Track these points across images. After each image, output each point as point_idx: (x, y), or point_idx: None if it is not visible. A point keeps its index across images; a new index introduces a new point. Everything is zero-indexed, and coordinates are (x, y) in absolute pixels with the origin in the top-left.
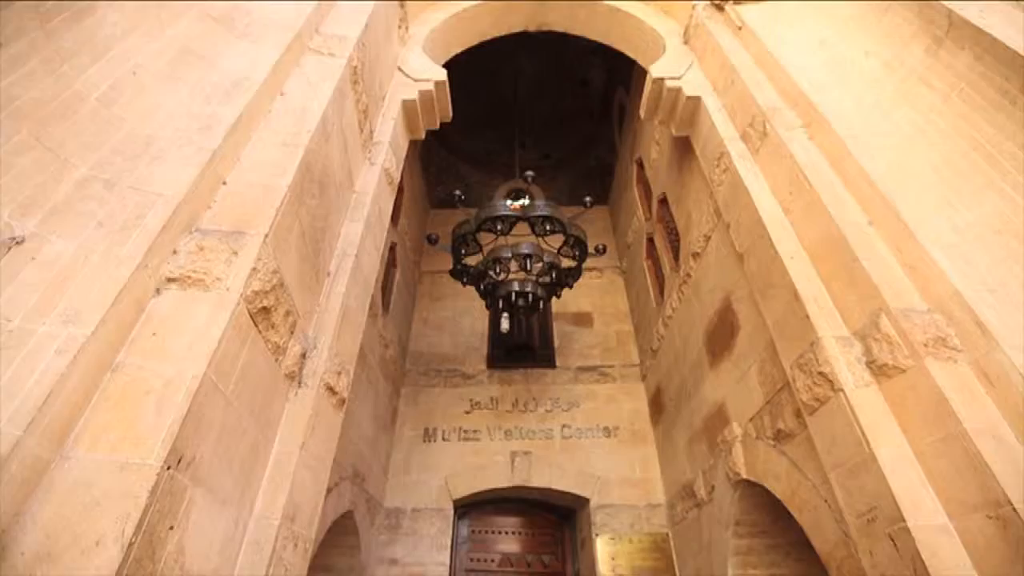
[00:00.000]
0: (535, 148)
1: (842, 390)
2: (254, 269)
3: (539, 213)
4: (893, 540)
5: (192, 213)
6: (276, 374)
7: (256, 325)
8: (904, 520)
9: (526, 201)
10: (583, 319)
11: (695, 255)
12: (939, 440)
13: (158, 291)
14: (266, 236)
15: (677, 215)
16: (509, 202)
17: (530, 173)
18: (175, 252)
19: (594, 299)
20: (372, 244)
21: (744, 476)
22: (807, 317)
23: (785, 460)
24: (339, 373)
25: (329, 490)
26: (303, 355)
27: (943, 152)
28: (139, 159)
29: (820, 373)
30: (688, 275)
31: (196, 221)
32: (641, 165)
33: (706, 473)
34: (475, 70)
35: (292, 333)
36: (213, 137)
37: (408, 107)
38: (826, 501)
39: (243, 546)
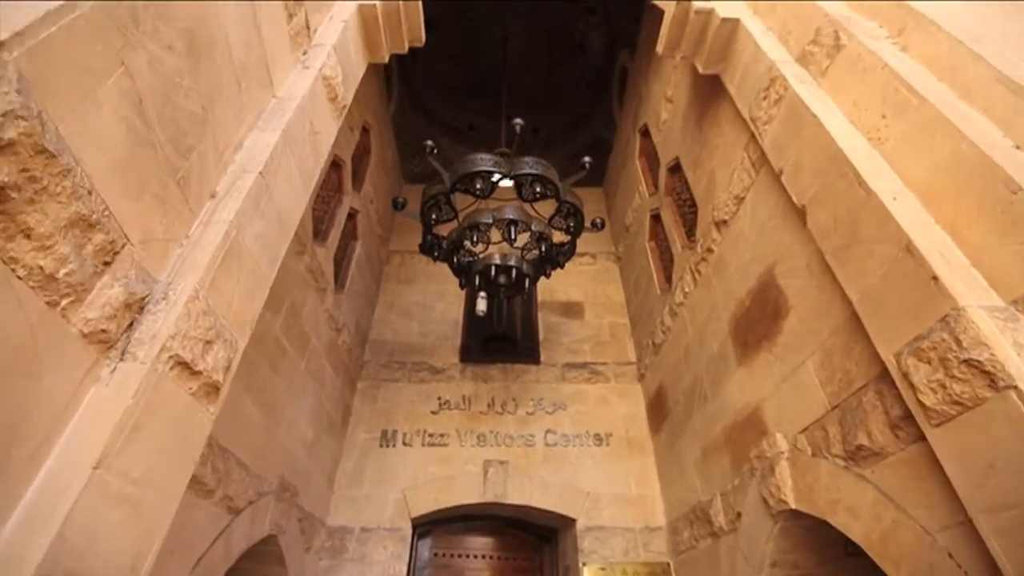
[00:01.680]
0: (524, 121)
1: (1015, 387)
2: None
3: (527, 171)
4: None
5: None
6: (54, 331)
7: None
8: None
9: (509, 183)
10: (572, 309)
11: (720, 224)
12: None
13: None
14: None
15: (694, 180)
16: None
17: (518, 121)
18: None
19: (586, 287)
20: (296, 168)
21: (792, 505)
22: (935, 280)
23: (869, 489)
24: (208, 343)
25: (238, 511)
26: (133, 306)
27: None
28: None
29: (967, 362)
30: (709, 250)
31: None
32: (645, 133)
33: (727, 496)
34: (458, 33)
35: (107, 264)
36: None
37: (366, 15)
38: (951, 556)
39: None
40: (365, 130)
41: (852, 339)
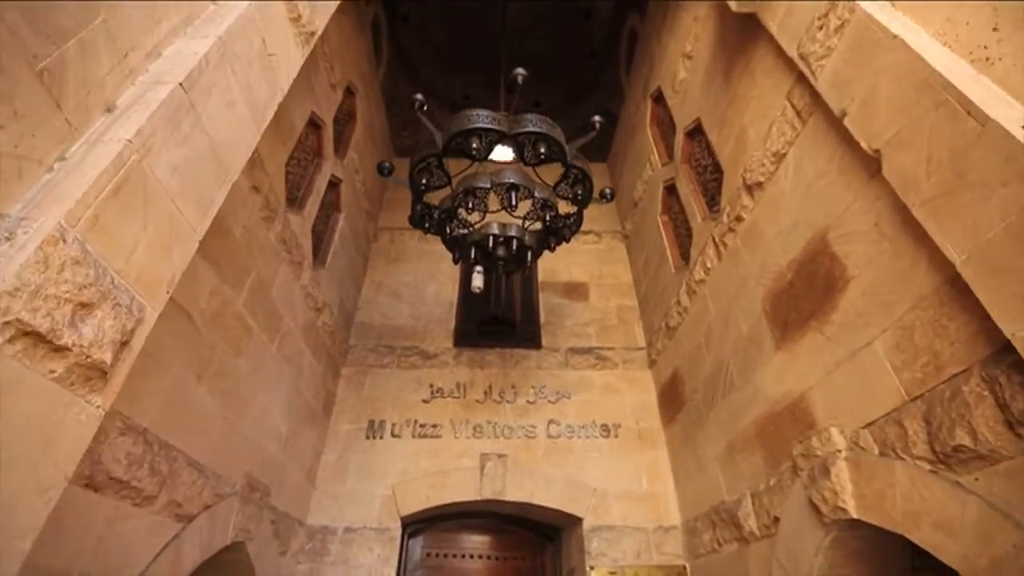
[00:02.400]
0: (523, 94)
1: None
2: None
3: (530, 129)
4: None
5: None
6: None
7: None
8: None
9: (510, 154)
10: (576, 290)
11: (753, 187)
12: None
13: None
14: None
15: (719, 142)
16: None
17: (520, 71)
18: None
19: (590, 267)
20: (239, 93)
21: (854, 515)
22: None
23: (972, 501)
24: (84, 305)
25: (190, 519)
26: None
27: None
28: None
29: None
30: (737, 219)
31: None
32: (658, 99)
33: (760, 497)
34: None
35: None
36: None
37: None
38: None
39: None
40: (350, 92)
41: (945, 313)
